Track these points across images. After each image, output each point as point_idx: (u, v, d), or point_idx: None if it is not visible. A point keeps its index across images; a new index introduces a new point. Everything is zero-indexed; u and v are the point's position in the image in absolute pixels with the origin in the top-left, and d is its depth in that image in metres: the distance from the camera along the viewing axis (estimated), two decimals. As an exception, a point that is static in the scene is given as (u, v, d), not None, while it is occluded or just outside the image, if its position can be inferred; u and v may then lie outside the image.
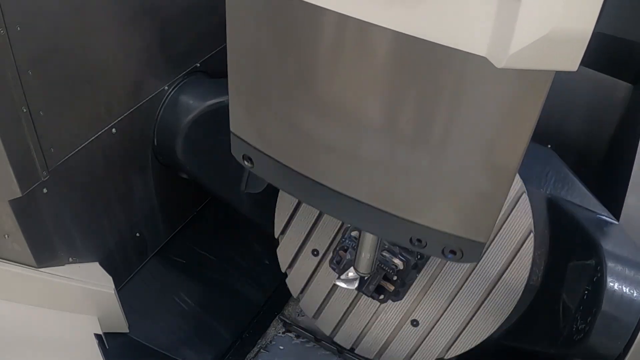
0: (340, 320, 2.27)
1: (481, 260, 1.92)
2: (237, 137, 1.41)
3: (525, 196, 1.83)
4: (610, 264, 1.68)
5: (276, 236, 2.27)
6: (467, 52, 0.96)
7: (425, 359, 2.13)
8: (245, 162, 1.43)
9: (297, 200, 2.16)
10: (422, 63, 1.09)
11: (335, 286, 2.18)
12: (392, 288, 1.91)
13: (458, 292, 1.99)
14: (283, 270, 2.31)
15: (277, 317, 2.62)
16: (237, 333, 2.49)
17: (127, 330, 2.16)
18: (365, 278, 1.84)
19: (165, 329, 2.34)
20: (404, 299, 2.02)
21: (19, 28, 1.56)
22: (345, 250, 1.89)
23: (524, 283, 1.90)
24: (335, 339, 2.33)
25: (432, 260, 1.98)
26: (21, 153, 1.69)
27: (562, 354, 1.81)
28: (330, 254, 2.01)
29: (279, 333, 2.59)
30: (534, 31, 0.88)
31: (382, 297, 1.94)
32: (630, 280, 1.67)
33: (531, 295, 1.96)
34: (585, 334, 1.69)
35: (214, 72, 2.33)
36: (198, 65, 2.28)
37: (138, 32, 1.98)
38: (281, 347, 2.53)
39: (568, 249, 1.89)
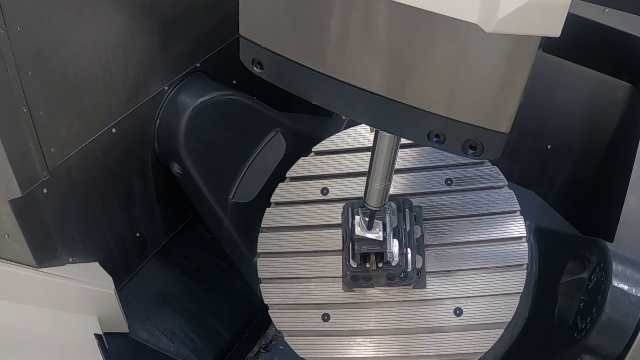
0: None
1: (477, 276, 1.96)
2: (246, 40, 1.38)
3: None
4: (615, 264, 1.69)
5: (254, 257, 2.18)
6: (460, 20, 1.06)
7: None
8: (255, 68, 1.40)
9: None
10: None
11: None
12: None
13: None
14: (266, 302, 2.12)
15: (277, 317, 2.62)
16: (237, 333, 2.49)
17: (127, 330, 2.16)
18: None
19: (165, 329, 2.34)
20: None
21: (19, 28, 1.56)
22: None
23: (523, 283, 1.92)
24: None
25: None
26: (21, 153, 1.70)
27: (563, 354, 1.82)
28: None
29: (279, 333, 2.58)
30: None
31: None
32: (631, 280, 1.68)
33: (526, 309, 2.02)
34: (586, 334, 1.70)
35: (214, 72, 2.33)
36: (198, 65, 2.27)
37: (138, 32, 1.98)
38: (281, 347, 2.52)
39: (558, 269, 1.96)
